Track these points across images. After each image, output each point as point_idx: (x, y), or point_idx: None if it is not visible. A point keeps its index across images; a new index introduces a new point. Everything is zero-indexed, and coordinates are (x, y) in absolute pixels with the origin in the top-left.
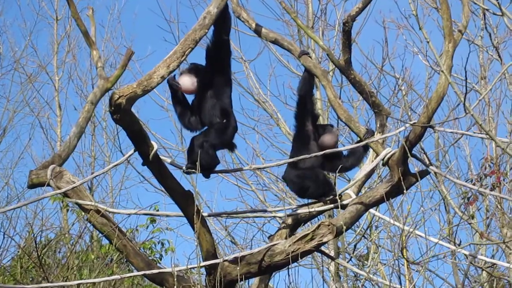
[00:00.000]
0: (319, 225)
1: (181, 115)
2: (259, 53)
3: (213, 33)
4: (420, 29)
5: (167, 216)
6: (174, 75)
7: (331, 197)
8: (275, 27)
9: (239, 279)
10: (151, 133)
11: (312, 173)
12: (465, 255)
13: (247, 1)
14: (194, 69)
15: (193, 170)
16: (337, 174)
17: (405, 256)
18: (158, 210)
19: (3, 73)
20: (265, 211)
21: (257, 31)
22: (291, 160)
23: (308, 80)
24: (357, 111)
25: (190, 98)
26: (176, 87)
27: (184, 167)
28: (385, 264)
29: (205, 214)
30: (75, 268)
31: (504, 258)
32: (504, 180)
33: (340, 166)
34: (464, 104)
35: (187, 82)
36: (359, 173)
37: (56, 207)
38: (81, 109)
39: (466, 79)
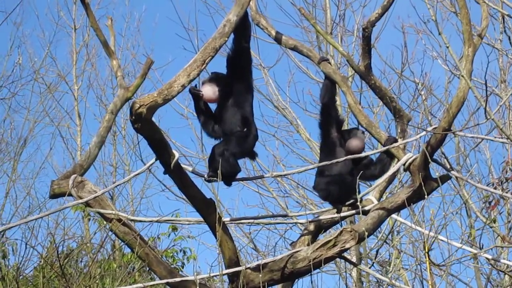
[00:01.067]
0: (341, 232)
1: (204, 123)
2: (278, 60)
3: (233, 41)
4: (439, 34)
5: (188, 222)
6: (196, 84)
7: (351, 201)
8: (294, 34)
9: (261, 287)
10: (172, 141)
11: (340, 179)
12: (487, 259)
13: (265, 8)
14: (215, 78)
15: (215, 178)
16: (365, 182)
17: (428, 259)
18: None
19: (23, 84)
20: (286, 216)
21: (277, 38)
22: (312, 166)
23: (330, 87)
24: (377, 116)
25: (213, 107)
26: (197, 96)
27: (205, 175)
28: (407, 269)
29: (227, 219)
30: (97, 277)
31: None
32: None
33: (370, 175)
34: (485, 109)
35: (209, 91)
36: (380, 178)
37: (77, 216)
38: (101, 118)
39: (486, 83)
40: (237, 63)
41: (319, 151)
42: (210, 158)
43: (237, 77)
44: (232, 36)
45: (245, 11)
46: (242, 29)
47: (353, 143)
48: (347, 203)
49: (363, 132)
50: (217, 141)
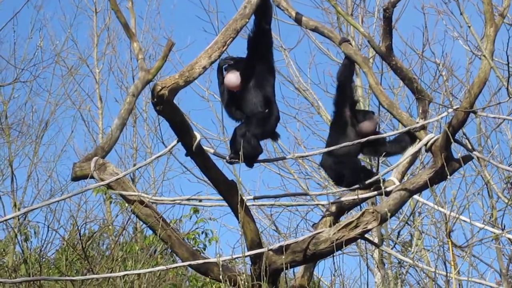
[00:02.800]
0: (363, 213)
1: (227, 105)
2: (298, 41)
3: (254, 23)
4: (461, 14)
5: (210, 202)
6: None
7: (373, 179)
8: (314, 15)
9: (284, 268)
10: (193, 123)
11: (348, 160)
12: (509, 239)
13: None
14: (235, 64)
15: (236, 160)
16: (379, 159)
17: (451, 240)
18: (201, 201)
19: (44, 67)
20: (306, 194)
21: (297, 19)
22: (334, 147)
23: (349, 66)
24: (397, 97)
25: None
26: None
27: (227, 157)
28: (429, 250)
29: (249, 198)
30: (119, 259)
31: None
32: None
33: (384, 152)
34: (507, 88)
35: (233, 79)
36: (402, 159)
37: (99, 199)
38: (122, 101)
39: (508, 63)
40: (258, 44)
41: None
42: (232, 140)
43: (258, 59)
44: (252, 17)
45: None
46: (262, 11)
47: (366, 124)
48: (366, 182)
49: (377, 116)
50: (237, 122)
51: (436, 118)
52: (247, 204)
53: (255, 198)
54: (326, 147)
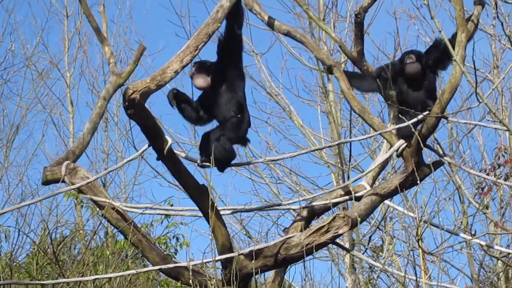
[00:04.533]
0: (334, 217)
1: (188, 116)
2: (270, 46)
3: (226, 27)
4: (432, 18)
5: (182, 212)
6: (176, 90)
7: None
8: (286, 20)
9: (254, 272)
10: (164, 128)
11: None
12: (480, 245)
13: None
14: (203, 67)
15: (208, 164)
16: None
17: (421, 247)
18: (172, 205)
19: (15, 71)
20: (279, 204)
21: (270, 23)
22: (305, 151)
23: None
24: (369, 102)
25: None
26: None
27: (198, 161)
28: (400, 255)
29: (222, 211)
30: (90, 264)
31: None
32: None
33: None
34: (476, 93)
35: (202, 82)
36: (373, 164)
37: (70, 203)
38: (93, 105)
39: (475, 67)
40: (229, 49)
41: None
42: (202, 145)
43: (228, 63)
44: (224, 22)
45: None
46: (235, 15)
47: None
48: None
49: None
50: (202, 127)
51: (407, 123)
52: (218, 208)
53: (225, 210)
54: None
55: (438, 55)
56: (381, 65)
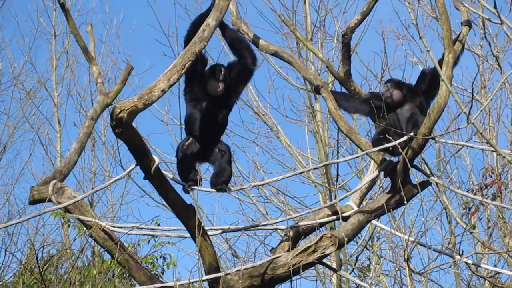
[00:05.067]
0: (321, 237)
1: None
2: (258, 66)
3: (241, 63)
4: (420, 38)
5: (168, 233)
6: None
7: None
8: (274, 40)
9: None
10: (152, 147)
11: None
12: (467, 264)
13: (245, 15)
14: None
15: (194, 187)
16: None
17: (409, 266)
18: (159, 225)
19: (3, 90)
20: (266, 224)
21: (257, 43)
22: (290, 174)
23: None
24: (356, 122)
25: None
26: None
27: (186, 186)
28: (387, 275)
29: (209, 230)
30: (77, 283)
31: (507, 267)
32: (505, 189)
33: None
34: (466, 114)
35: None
36: (360, 184)
37: (57, 223)
38: (81, 124)
39: (472, 92)
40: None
41: None
42: (184, 171)
43: (234, 90)
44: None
45: (223, 15)
46: (247, 51)
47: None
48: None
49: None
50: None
51: (395, 143)
52: (205, 228)
53: (211, 230)
54: None
55: (426, 86)
56: (373, 92)
